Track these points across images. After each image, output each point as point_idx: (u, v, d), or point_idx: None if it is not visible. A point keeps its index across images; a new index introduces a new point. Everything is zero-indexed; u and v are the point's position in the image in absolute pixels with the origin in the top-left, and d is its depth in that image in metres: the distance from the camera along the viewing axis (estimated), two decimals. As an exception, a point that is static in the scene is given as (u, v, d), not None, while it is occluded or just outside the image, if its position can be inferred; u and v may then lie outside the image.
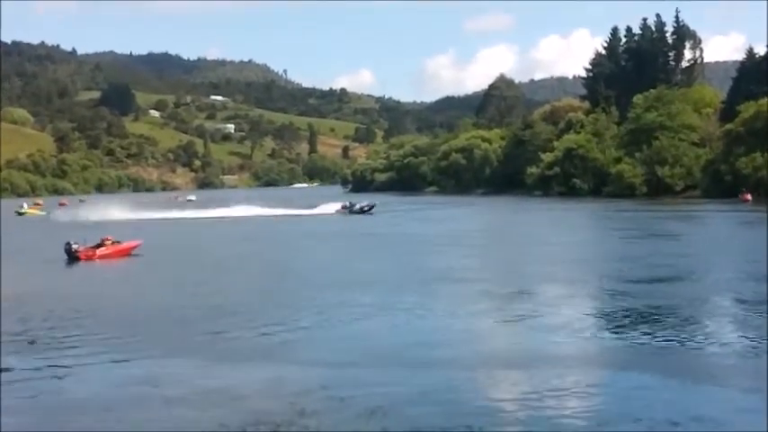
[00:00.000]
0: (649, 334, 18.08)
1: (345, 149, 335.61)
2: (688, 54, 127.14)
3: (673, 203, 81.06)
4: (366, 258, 37.96)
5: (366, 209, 78.36)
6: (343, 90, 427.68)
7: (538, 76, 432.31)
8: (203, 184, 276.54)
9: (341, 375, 15.03)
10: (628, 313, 20.83)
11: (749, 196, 78.91)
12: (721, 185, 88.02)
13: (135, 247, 42.11)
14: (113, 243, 40.80)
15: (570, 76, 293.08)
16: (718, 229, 52.24)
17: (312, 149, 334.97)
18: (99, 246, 40.00)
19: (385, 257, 38.17)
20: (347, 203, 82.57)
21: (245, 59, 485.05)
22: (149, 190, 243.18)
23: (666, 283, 26.26)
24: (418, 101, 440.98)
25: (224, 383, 14.63)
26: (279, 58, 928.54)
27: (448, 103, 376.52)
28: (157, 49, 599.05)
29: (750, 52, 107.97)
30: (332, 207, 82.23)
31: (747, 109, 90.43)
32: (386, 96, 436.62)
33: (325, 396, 13.64)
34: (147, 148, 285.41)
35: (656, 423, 11.76)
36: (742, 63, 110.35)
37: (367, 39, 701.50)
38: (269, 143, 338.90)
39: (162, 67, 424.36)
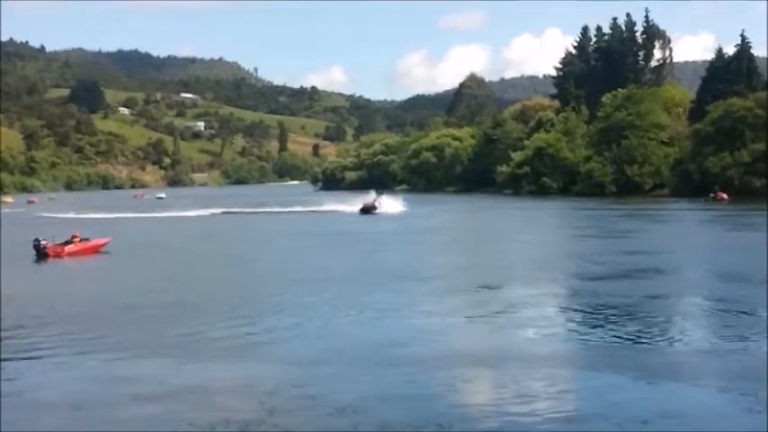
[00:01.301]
0: (617, 332, 18.19)
1: (316, 147, 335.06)
2: (657, 53, 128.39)
3: (642, 202, 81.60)
4: (331, 255, 37.84)
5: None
6: (313, 88, 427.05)
7: (509, 75, 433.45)
8: (173, 182, 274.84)
9: (311, 373, 15.01)
10: (594, 312, 20.95)
11: (725, 195, 79.02)
12: (690, 184, 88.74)
13: (104, 244, 41.96)
14: (81, 240, 40.54)
15: (541, 75, 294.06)
16: (690, 227, 52.71)
17: (282, 147, 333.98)
18: (68, 243, 39.74)
19: (350, 255, 38.05)
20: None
21: (216, 57, 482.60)
22: (119, 187, 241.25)
23: (634, 281, 26.45)
24: (389, 99, 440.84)
25: (193, 382, 14.56)
26: (249, 56, 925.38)
27: (419, 102, 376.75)
28: (127, 46, 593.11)
29: (719, 52, 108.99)
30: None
31: (716, 108, 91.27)
32: (356, 95, 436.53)
33: (296, 394, 13.62)
34: (116, 146, 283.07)
35: (625, 421, 11.81)
36: (711, 63, 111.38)
37: (339, 37, 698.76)
38: (239, 141, 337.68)
39: (131, 64, 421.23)
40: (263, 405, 12.93)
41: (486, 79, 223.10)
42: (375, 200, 74.95)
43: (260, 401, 13.15)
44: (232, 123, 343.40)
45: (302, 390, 13.82)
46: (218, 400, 13.48)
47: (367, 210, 71.72)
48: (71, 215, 74.00)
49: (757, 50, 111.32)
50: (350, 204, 74.36)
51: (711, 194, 79.41)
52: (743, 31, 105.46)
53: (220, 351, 17.28)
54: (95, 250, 40.85)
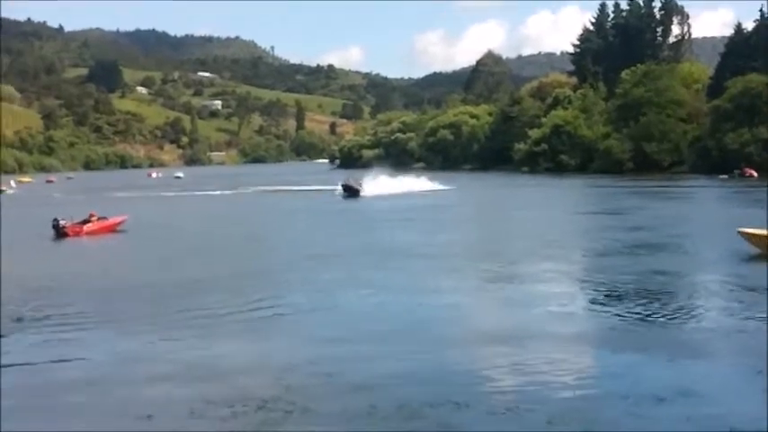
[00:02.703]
0: (634, 310, 18.14)
1: (332, 126, 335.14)
2: (676, 29, 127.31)
3: (662, 179, 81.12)
4: (351, 234, 37.89)
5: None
6: (330, 66, 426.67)
7: (526, 52, 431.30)
8: (191, 161, 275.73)
9: (327, 351, 15.03)
10: (611, 289, 20.88)
11: (755, 172, 78.06)
12: (708, 161, 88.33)
13: (120, 222, 42.40)
14: (99, 219, 40.91)
15: (558, 52, 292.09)
16: (720, 204, 52.44)
17: (299, 126, 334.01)
18: (86, 222, 40.15)
19: (368, 233, 38.09)
20: None
21: (232, 36, 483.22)
22: (137, 167, 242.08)
23: (651, 258, 26.36)
24: (406, 77, 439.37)
25: (210, 359, 14.64)
26: (266, 35, 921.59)
27: (436, 79, 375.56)
28: (144, 25, 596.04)
29: (738, 28, 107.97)
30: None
31: (735, 85, 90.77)
32: (373, 72, 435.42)
33: (312, 372, 13.65)
34: (134, 125, 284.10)
35: (643, 399, 11.74)
36: (730, 39, 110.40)
37: (357, 15, 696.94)
38: (256, 120, 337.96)
39: (149, 43, 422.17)
40: (279, 381, 12.99)
41: (504, 56, 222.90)
42: (357, 181, 69.20)
43: (276, 378, 13.23)
44: (249, 102, 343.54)
45: (318, 367, 13.87)
46: (234, 377, 13.55)
47: (350, 190, 66.18)
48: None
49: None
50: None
51: (737, 171, 78.64)
52: (762, 6, 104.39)
53: (236, 328, 17.40)
54: (113, 229, 41.24)
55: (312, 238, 36.49)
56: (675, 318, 17.37)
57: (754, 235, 25.52)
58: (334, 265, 26.51)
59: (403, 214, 48.03)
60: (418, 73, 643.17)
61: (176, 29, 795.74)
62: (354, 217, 48.83)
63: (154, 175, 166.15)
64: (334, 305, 19.91)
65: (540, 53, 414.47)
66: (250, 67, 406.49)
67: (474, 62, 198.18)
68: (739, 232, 26.28)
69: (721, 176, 76.37)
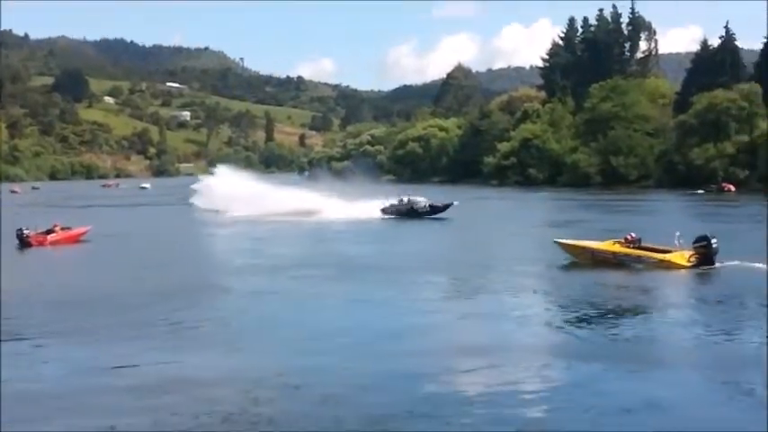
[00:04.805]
0: (598, 324, 18.19)
1: (302, 137, 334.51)
2: (643, 45, 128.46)
3: (629, 193, 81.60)
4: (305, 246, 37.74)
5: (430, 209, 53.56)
6: (300, 78, 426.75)
7: (496, 66, 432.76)
8: (158, 172, 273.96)
9: (295, 363, 14.91)
10: (575, 304, 20.86)
11: (732, 186, 78.39)
12: (674, 176, 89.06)
13: (84, 233, 42.57)
14: (63, 229, 41.00)
15: (528, 66, 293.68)
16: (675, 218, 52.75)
17: (269, 137, 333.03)
18: (50, 232, 40.25)
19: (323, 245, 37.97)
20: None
21: (202, 47, 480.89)
22: (103, 177, 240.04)
23: (614, 273, 26.39)
24: (376, 89, 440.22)
25: (176, 371, 14.46)
26: (236, 46, 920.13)
27: (406, 92, 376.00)
28: (112, 35, 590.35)
29: (704, 44, 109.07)
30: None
31: (700, 100, 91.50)
32: (343, 84, 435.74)
33: (280, 384, 13.54)
34: (100, 135, 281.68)
35: (607, 410, 11.83)
36: (696, 54, 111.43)
37: (329, 27, 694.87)
38: (225, 131, 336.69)
39: (117, 53, 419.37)
40: (247, 394, 12.85)
41: (474, 70, 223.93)
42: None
43: (244, 390, 13.07)
44: (218, 113, 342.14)
45: (286, 379, 13.73)
46: (201, 389, 13.36)
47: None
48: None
49: (742, 42, 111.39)
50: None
51: (715, 185, 79.10)
52: (727, 22, 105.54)
53: (203, 340, 17.21)
54: (76, 239, 41.43)
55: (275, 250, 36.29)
56: (641, 331, 17.47)
57: (566, 245, 27.65)
58: (297, 276, 26.34)
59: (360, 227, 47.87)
60: (389, 85, 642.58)
61: (145, 38, 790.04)
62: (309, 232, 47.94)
63: (112, 183, 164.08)
64: (298, 317, 19.75)
65: (509, 67, 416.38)
66: (219, 77, 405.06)
67: (444, 75, 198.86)
68: (555, 242, 28.23)
69: (698, 191, 76.61)
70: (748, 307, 19.78)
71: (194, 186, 67.87)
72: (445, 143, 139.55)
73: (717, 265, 24.52)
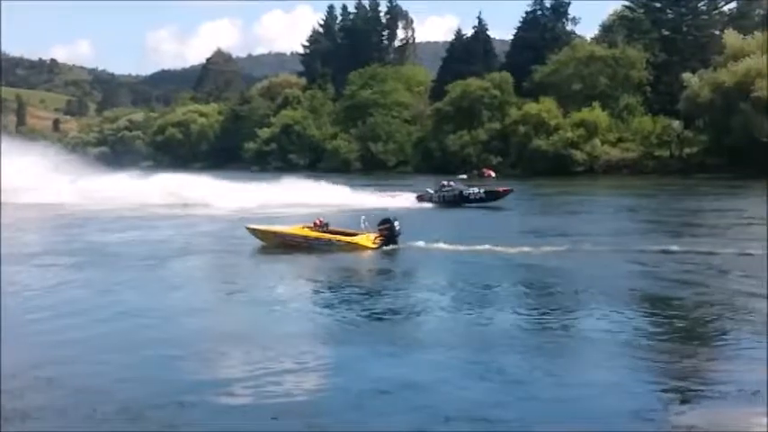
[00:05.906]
0: (364, 307, 17.94)
1: (56, 122, 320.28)
2: (401, 34, 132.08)
3: (389, 177, 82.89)
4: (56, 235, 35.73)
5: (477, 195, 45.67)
6: (53, 61, 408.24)
7: (257, 52, 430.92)
8: None
9: (49, 355, 13.76)
10: (336, 286, 20.63)
11: (492, 172, 79.61)
12: (431, 162, 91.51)
13: None
14: None
15: (288, 53, 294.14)
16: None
17: (21, 122, 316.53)
18: None
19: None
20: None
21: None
22: None
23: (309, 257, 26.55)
24: (134, 74, 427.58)
25: None
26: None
27: (165, 77, 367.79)
28: None
29: (458, 33, 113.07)
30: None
31: (455, 88, 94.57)
32: (99, 68, 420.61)
33: (33, 376, 12.45)
34: None
35: (364, 392, 11.62)
36: (451, 44, 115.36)
37: (87, 8, 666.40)
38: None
39: None
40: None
41: (235, 55, 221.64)
42: None
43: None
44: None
45: (41, 371, 12.67)
46: None
47: None
48: None
49: (494, 33, 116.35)
50: None
51: (476, 171, 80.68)
52: (479, 13, 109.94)
53: None
54: None
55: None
56: (404, 312, 17.35)
57: (257, 230, 28.26)
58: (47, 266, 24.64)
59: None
60: (148, 70, 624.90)
61: None
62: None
63: None
64: (57, 306, 18.33)
65: (270, 53, 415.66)
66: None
67: (205, 60, 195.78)
68: (247, 228, 28.71)
69: (461, 176, 78.20)
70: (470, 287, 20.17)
71: None
72: (206, 129, 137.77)
73: (400, 245, 26.15)
